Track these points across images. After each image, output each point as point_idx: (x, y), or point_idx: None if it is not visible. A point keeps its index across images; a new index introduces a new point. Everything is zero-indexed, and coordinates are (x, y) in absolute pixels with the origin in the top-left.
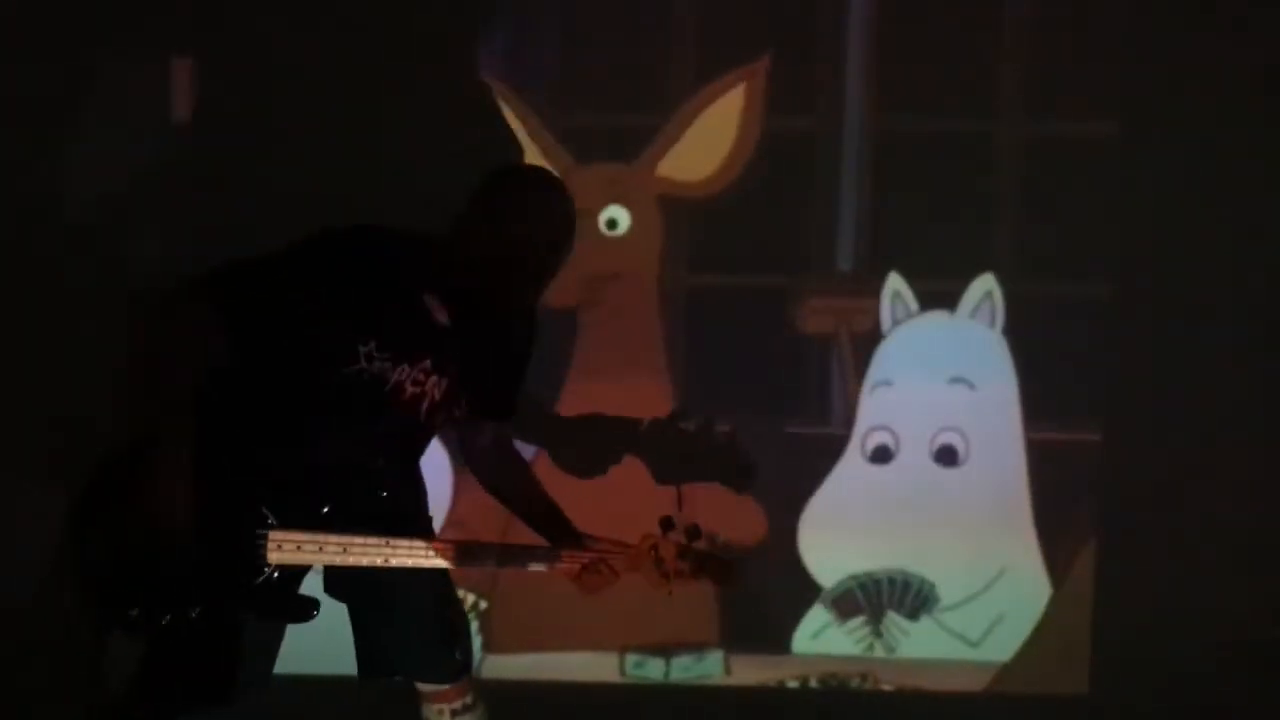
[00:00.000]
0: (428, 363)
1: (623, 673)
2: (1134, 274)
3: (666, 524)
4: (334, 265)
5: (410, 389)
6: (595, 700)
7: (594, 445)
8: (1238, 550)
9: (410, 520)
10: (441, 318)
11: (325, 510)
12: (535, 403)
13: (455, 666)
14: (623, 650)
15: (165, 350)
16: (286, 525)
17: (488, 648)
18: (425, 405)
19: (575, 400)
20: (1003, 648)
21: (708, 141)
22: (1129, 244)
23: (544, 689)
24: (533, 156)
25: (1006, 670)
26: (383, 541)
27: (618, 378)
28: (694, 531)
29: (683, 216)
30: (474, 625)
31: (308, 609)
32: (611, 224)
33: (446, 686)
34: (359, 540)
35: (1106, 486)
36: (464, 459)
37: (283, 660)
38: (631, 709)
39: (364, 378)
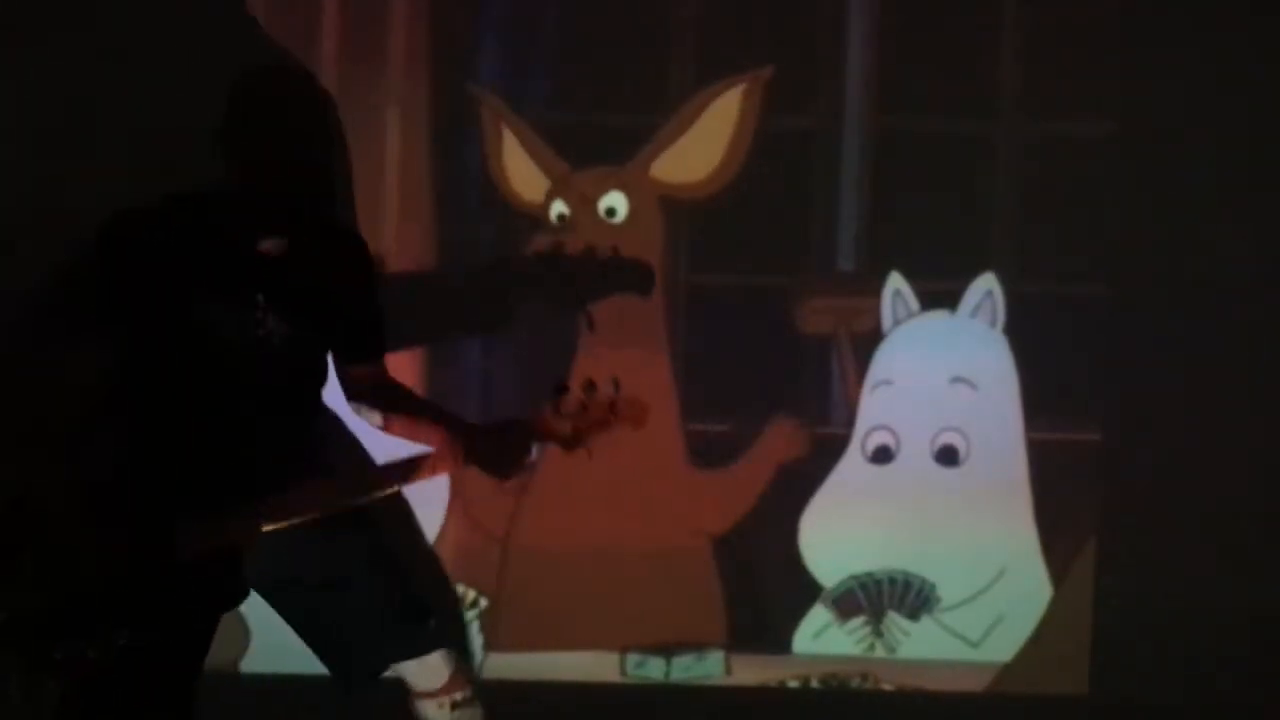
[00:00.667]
0: (261, 296)
1: (623, 672)
2: (1134, 274)
3: (559, 388)
4: (144, 235)
5: (256, 330)
6: (595, 700)
7: (486, 301)
8: (1238, 550)
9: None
10: (255, 244)
11: (231, 488)
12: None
13: (430, 635)
14: (623, 650)
15: (28, 381)
16: (193, 515)
17: (488, 646)
18: (278, 340)
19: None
20: (1003, 648)
21: (702, 145)
22: (1129, 244)
23: (544, 688)
24: (525, 163)
25: (1007, 670)
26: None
27: (621, 369)
28: (589, 385)
29: (683, 216)
30: (475, 625)
31: (237, 596)
32: (610, 212)
33: (443, 679)
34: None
35: (1106, 486)
36: (347, 398)
37: (282, 659)
38: (632, 708)
39: (207, 330)
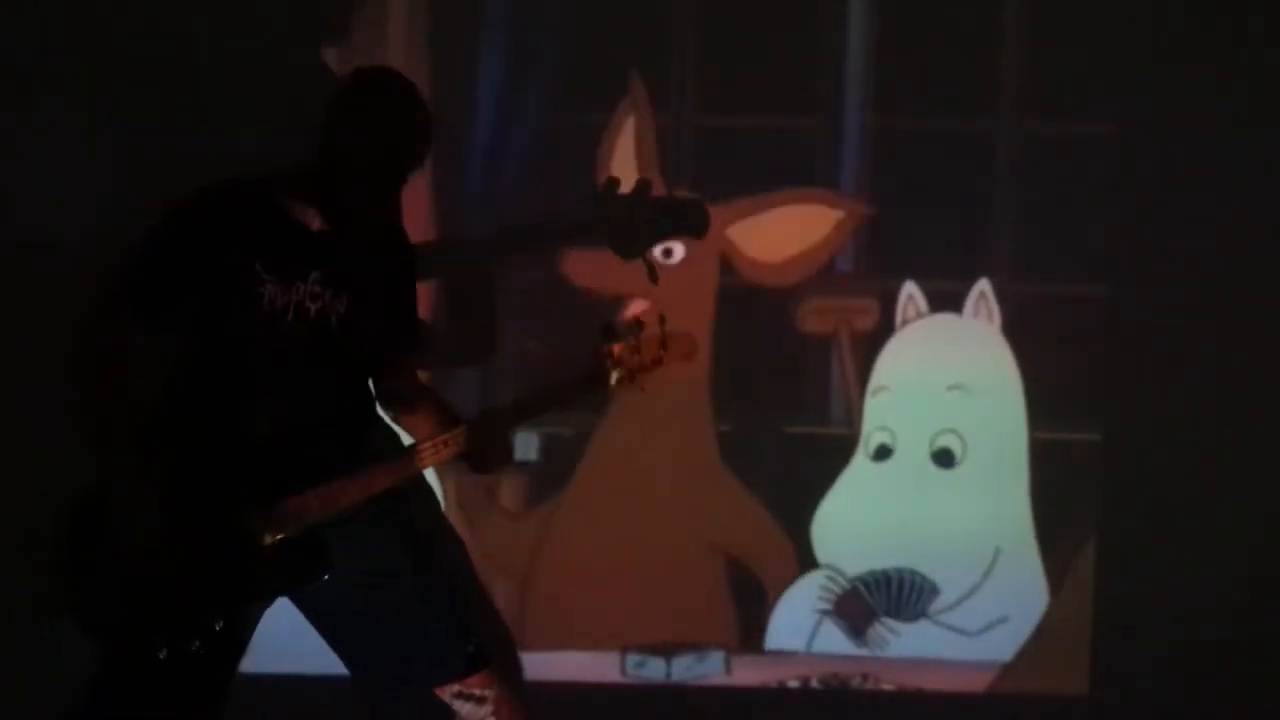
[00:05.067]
0: (318, 274)
1: (624, 672)
2: (1134, 274)
3: (607, 331)
4: (205, 216)
5: (311, 305)
6: (596, 700)
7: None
8: (1237, 550)
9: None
10: (316, 224)
11: (300, 469)
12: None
13: (468, 660)
14: (624, 650)
15: (97, 384)
16: (262, 502)
17: None
18: (334, 320)
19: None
20: (1003, 648)
21: (785, 232)
22: (1129, 244)
23: (544, 689)
24: (628, 160)
25: (1007, 670)
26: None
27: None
28: (637, 324)
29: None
30: None
31: (318, 571)
32: (667, 252)
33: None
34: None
35: (1106, 486)
36: (380, 401)
37: (280, 660)
38: (632, 709)
39: (266, 307)
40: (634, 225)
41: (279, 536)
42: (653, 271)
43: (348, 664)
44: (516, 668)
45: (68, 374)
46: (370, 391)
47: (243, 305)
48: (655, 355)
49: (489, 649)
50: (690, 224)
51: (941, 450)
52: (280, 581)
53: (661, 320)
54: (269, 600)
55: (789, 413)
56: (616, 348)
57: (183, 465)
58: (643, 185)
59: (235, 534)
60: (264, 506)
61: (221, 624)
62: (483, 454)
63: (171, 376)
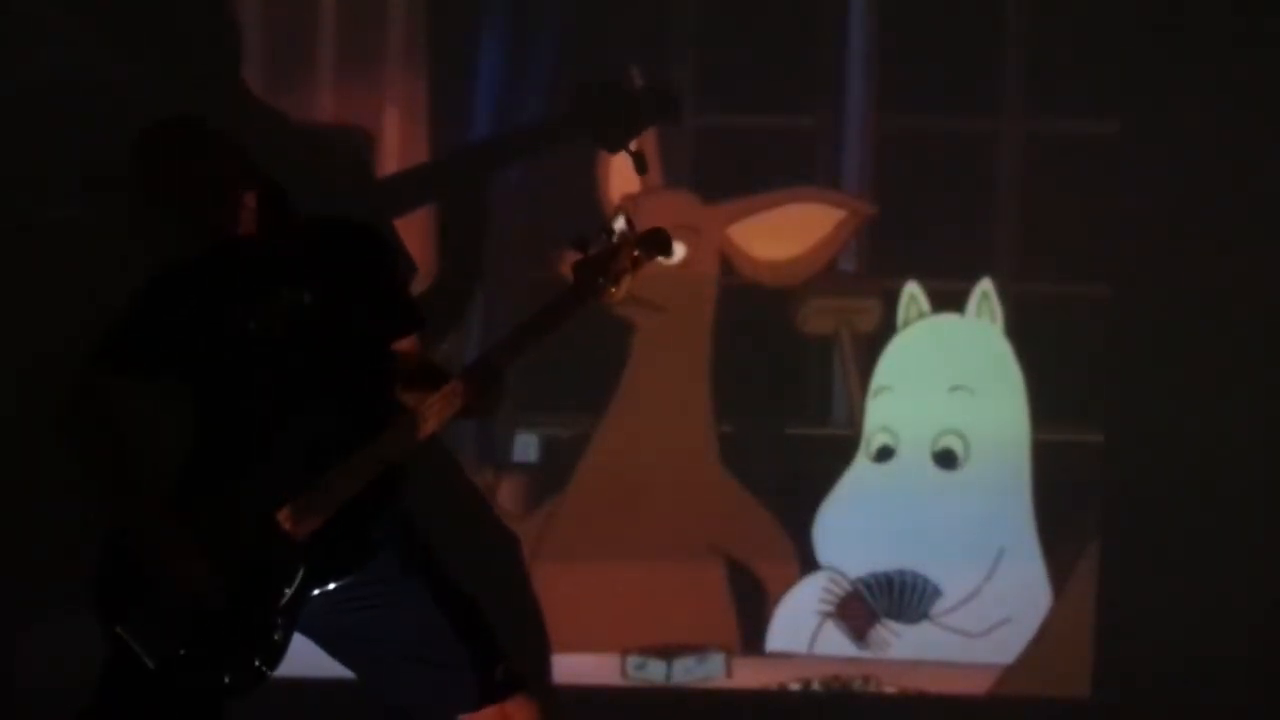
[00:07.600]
0: (276, 278)
1: (624, 675)
2: (1134, 274)
3: (579, 242)
4: (167, 274)
5: (285, 301)
6: (596, 702)
7: None
8: (1239, 552)
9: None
10: (253, 243)
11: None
12: None
13: (495, 687)
14: (624, 652)
15: (85, 433)
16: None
17: None
18: (309, 311)
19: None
20: (1005, 650)
21: (782, 236)
22: (1129, 244)
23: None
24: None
25: (1009, 673)
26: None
27: (664, 393)
28: (606, 230)
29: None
30: None
31: (363, 555)
32: None
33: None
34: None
35: (1109, 488)
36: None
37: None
38: (633, 712)
39: (244, 319)
40: (614, 114)
41: (314, 527)
42: (639, 160)
43: (369, 688)
44: (546, 674)
45: (59, 433)
46: (379, 376)
47: (224, 325)
48: (632, 255)
49: (519, 674)
50: (667, 108)
51: (943, 451)
52: (326, 571)
53: (630, 221)
54: (320, 585)
55: (790, 413)
56: (592, 255)
57: (210, 484)
58: (619, 81)
59: (271, 539)
60: (289, 502)
61: (279, 634)
62: (484, 401)
63: (190, 414)
